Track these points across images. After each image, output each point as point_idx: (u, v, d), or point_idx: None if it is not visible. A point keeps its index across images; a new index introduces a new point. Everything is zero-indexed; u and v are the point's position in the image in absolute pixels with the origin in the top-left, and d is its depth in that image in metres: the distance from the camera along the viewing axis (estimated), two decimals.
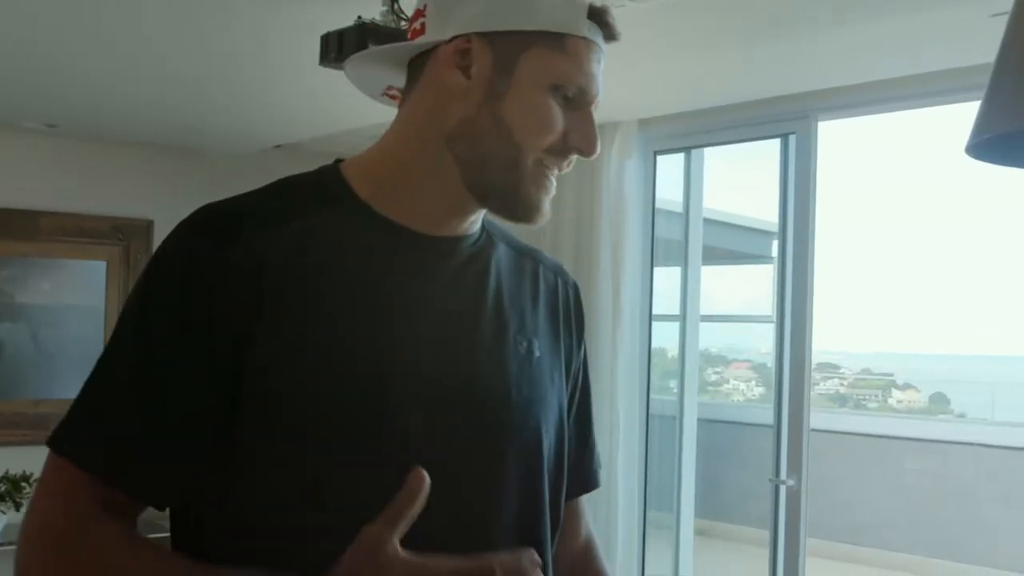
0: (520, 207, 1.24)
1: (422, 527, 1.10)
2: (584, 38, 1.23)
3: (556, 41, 1.22)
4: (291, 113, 4.59)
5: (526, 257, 1.40)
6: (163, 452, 1.13)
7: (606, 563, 1.47)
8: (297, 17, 3.05)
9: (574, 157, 1.26)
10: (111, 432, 1.13)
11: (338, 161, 1.30)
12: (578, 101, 1.24)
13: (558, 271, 1.44)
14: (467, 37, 1.22)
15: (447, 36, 1.23)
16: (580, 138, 1.24)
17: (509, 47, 1.22)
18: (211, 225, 1.18)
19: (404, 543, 1.06)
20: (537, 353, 1.31)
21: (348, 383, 1.15)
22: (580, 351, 1.43)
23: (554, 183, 1.26)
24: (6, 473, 4.41)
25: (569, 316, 1.41)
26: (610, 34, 1.27)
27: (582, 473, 1.43)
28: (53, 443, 1.15)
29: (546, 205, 1.26)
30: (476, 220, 1.31)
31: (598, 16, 1.25)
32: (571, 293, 1.43)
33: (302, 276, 1.17)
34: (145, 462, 1.13)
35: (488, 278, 1.30)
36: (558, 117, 1.22)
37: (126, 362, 1.15)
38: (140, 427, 1.13)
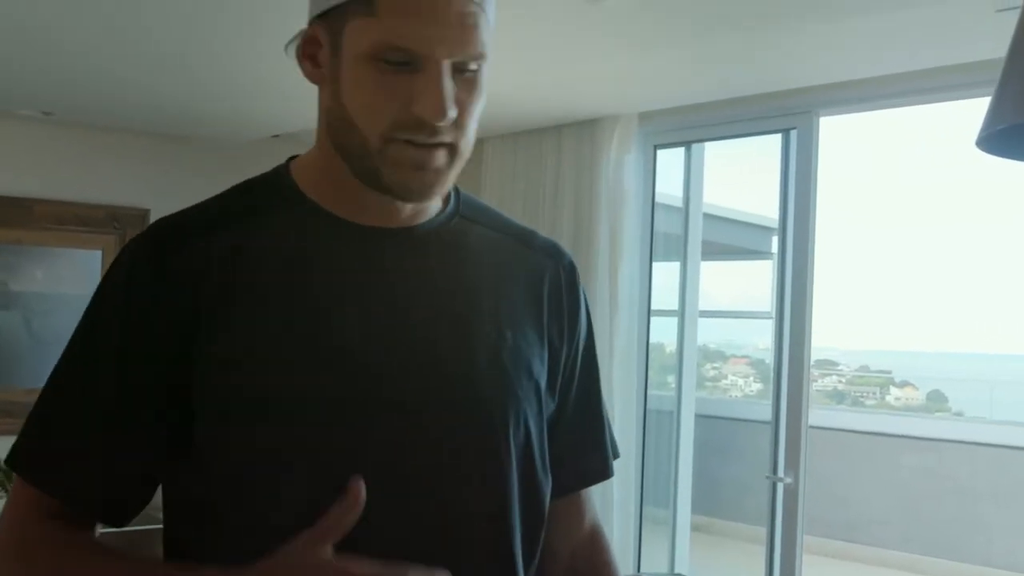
0: (390, 190, 1.15)
1: (384, 519, 1.10)
2: None
3: (366, 5, 1.09)
4: (289, 102, 4.56)
5: (511, 239, 1.32)
6: (104, 469, 1.16)
7: (613, 554, 1.40)
8: (294, 3, 3.02)
9: (448, 125, 1.12)
10: (55, 449, 1.17)
11: (291, 159, 1.28)
12: (417, 65, 1.09)
13: (551, 252, 1.35)
14: (313, 26, 1.17)
15: (306, 25, 1.19)
16: (422, 106, 1.09)
17: (335, 27, 1.13)
18: (155, 238, 1.18)
19: (369, 532, 1.07)
20: (510, 342, 1.23)
21: (299, 381, 1.12)
22: (574, 336, 1.33)
23: (434, 156, 1.13)
24: None
25: (558, 301, 1.32)
26: None
27: (586, 464, 1.37)
28: (8, 457, 1.19)
29: (420, 183, 1.14)
30: (429, 207, 1.25)
31: None
32: (563, 276, 1.34)
33: (248, 277, 1.15)
34: (85, 478, 1.16)
35: (454, 265, 1.24)
36: (386, 90, 1.10)
37: (72, 378, 1.18)
38: (81, 444, 1.16)
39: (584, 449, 1.36)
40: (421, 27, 1.08)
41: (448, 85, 1.10)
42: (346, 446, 1.12)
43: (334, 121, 1.16)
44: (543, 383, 1.27)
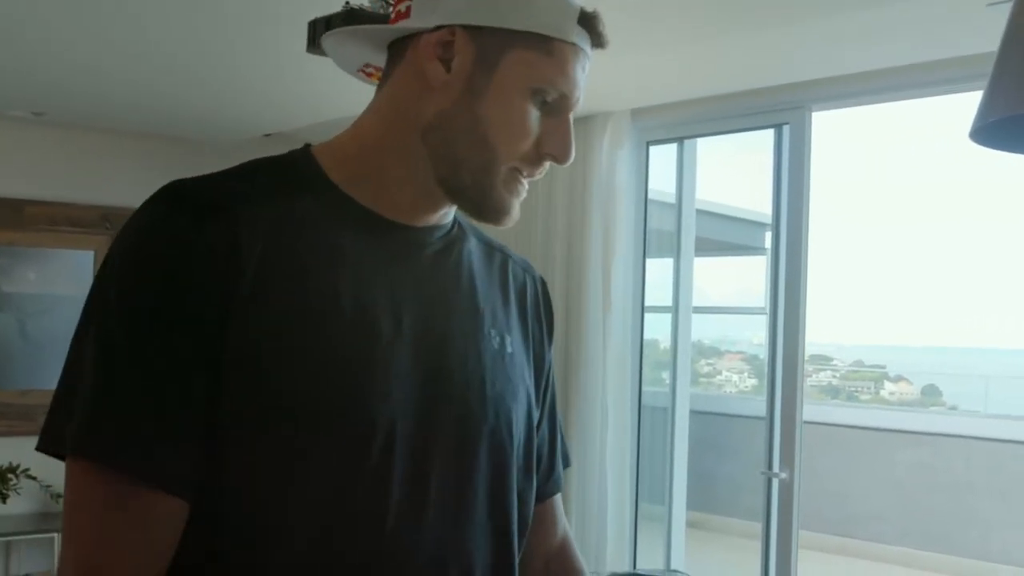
0: (490, 210, 1.21)
1: (396, 518, 1.11)
2: (572, 43, 1.18)
3: (543, 44, 1.17)
4: (280, 101, 4.56)
5: (496, 251, 1.37)
6: (183, 440, 1.07)
7: (583, 560, 1.45)
8: (286, 3, 3.02)
9: (547, 164, 1.22)
10: (142, 429, 1.06)
11: (307, 146, 1.26)
12: (557, 107, 1.20)
13: (526, 267, 1.41)
14: (452, 28, 1.17)
15: (431, 24, 1.18)
16: (556, 145, 1.20)
17: (493, 44, 1.17)
18: (189, 202, 1.12)
19: (382, 533, 1.09)
20: (509, 349, 1.29)
21: (320, 372, 1.11)
22: (550, 350, 1.41)
23: (526, 186, 1.23)
24: None
25: (539, 313, 1.39)
26: (598, 42, 1.22)
27: (556, 472, 1.42)
28: (79, 447, 1.06)
29: (515, 209, 1.22)
30: (450, 211, 1.28)
31: (589, 22, 1.20)
32: (539, 289, 1.41)
33: (276, 261, 1.12)
34: (180, 459, 1.07)
35: (461, 270, 1.28)
36: (535, 123, 1.19)
37: (126, 350, 1.08)
38: (167, 423, 1.06)
39: (554, 457, 1.41)
40: (574, 77, 1.20)
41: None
42: (363, 443, 1.12)
43: (457, 130, 1.18)
44: (533, 392, 1.33)
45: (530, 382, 1.32)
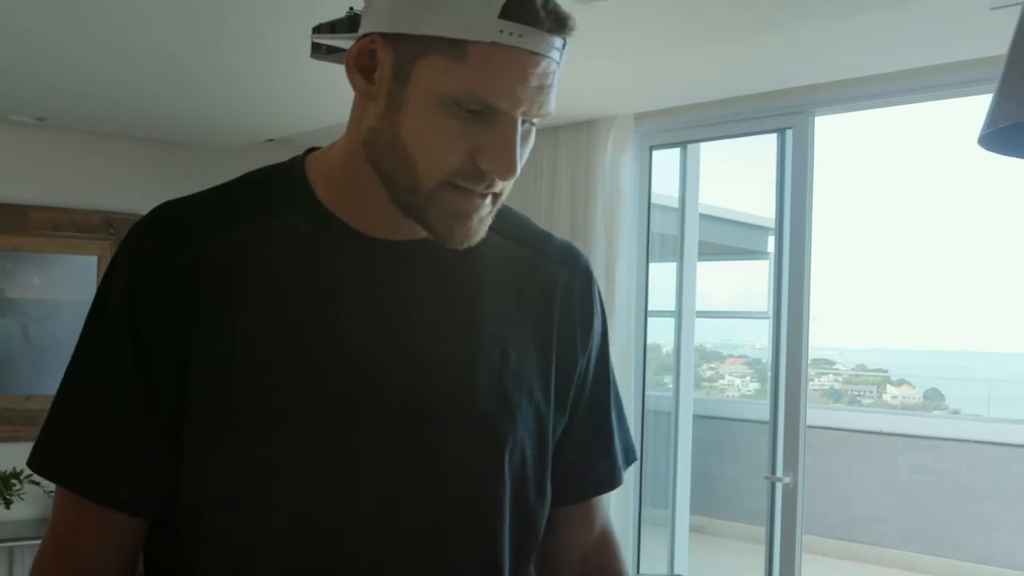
0: (431, 231, 1.12)
1: (374, 534, 1.11)
2: (494, 43, 1.04)
3: (455, 49, 1.04)
4: (283, 107, 4.56)
5: (524, 249, 1.27)
6: (133, 458, 1.12)
7: (624, 559, 1.38)
8: (290, 8, 3.02)
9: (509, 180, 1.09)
10: (80, 448, 1.13)
11: (308, 152, 1.24)
12: (491, 117, 1.06)
13: (564, 260, 1.30)
14: (372, 37, 1.09)
15: (362, 33, 1.12)
16: (491, 162, 1.07)
17: (407, 52, 1.07)
18: (160, 227, 1.15)
19: (359, 547, 1.10)
20: (513, 364, 1.20)
21: (295, 391, 1.10)
22: (587, 347, 1.29)
23: (481, 204, 1.11)
24: None
25: (571, 312, 1.28)
26: (548, 28, 1.06)
27: (596, 472, 1.34)
28: (31, 461, 1.16)
29: (464, 230, 1.11)
30: None
31: (518, 13, 1.04)
32: (577, 284, 1.29)
33: (253, 281, 1.12)
34: (119, 473, 1.13)
35: (461, 281, 1.20)
36: (458, 137, 1.06)
37: (82, 373, 1.15)
38: (102, 441, 1.12)
39: (594, 457, 1.34)
40: (507, 84, 1.05)
41: (518, 142, 1.08)
42: (337, 460, 1.11)
43: (382, 146, 1.11)
44: (546, 403, 1.24)
45: (540, 395, 1.23)
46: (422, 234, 1.15)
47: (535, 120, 1.10)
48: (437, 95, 1.06)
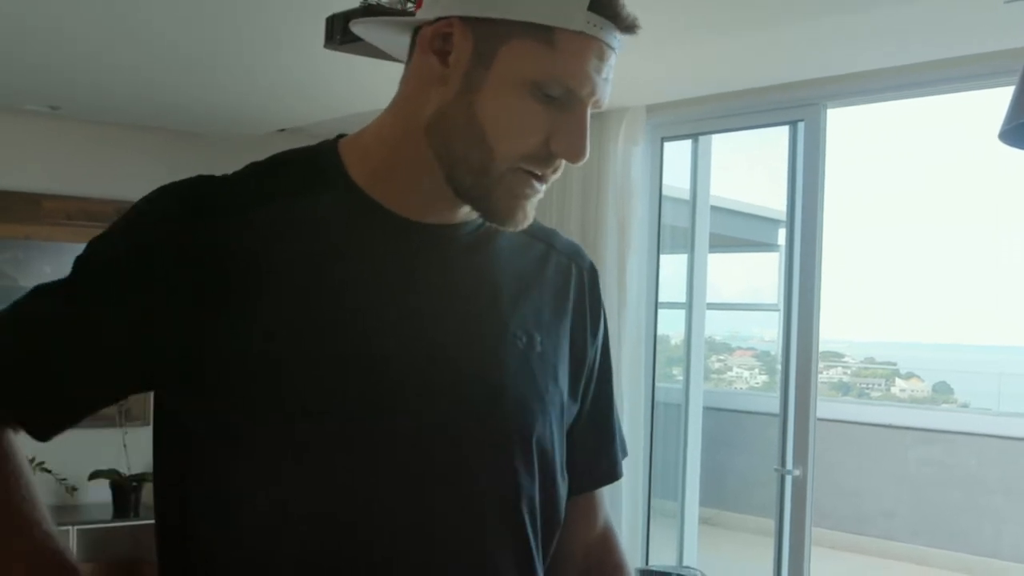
0: (492, 213, 1.15)
1: (401, 521, 1.10)
2: (580, 33, 1.10)
3: (544, 34, 1.09)
4: (295, 96, 4.56)
5: (537, 241, 1.30)
6: (54, 386, 1.15)
7: (625, 554, 1.40)
8: None
9: (562, 163, 1.15)
10: (19, 356, 1.15)
11: (340, 136, 1.24)
12: (567, 103, 1.11)
13: (573, 254, 1.34)
14: (449, 20, 1.12)
15: (433, 16, 1.14)
16: (565, 145, 1.12)
17: (491, 36, 1.10)
18: (193, 203, 1.14)
19: (403, 534, 1.10)
20: (539, 348, 1.22)
21: (329, 375, 1.10)
22: (596, 341, 1.33)
23: (539, 188, 1.15)
24: None
25: (582, 304, 1.31)
26: (624, 26, 1.13)
27: (599, 465, 1.36)
28: None
29: (523, 213, 1.16)
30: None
31: (603, 7, 1.11)
32: (586, 279, 1.33)
33: (282, 261, 1.12)
34: (33, 389, 1.15)
35: (488, 267, 1.23)
36: (537, 121, 1.11)
37: (62, 292, 1.15)
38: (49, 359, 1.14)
39: (597, 450, 1.36)
40: (588, 72, 1.11)
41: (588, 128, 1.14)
42: (361, 446, 1.11)
43: (456, 129, 1.13)
44: (566, 389, 1.26)
45: (564, 380, 1.26)
46: (453, 218, 1.19)
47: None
48: (522, 78, 1.10)
